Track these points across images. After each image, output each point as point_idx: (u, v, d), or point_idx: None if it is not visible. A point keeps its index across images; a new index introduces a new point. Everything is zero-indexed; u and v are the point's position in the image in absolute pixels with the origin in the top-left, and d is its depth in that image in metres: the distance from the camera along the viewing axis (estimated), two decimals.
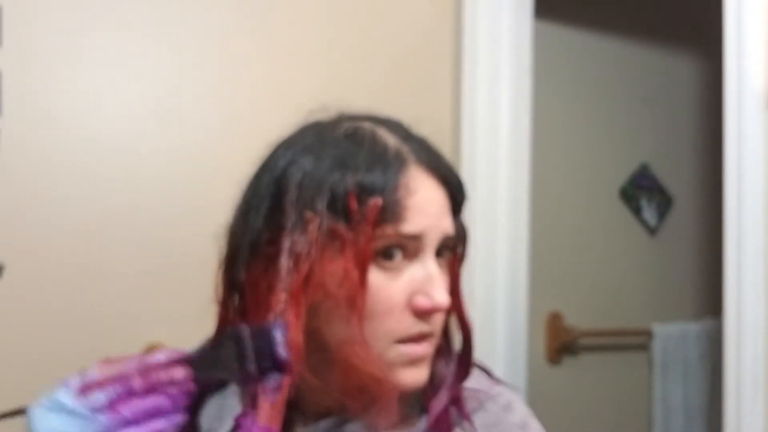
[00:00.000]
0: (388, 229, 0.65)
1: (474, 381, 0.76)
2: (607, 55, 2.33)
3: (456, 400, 0.72)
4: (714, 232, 1.76)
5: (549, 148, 2.10)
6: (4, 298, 1.46)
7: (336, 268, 0.64)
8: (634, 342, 2.35)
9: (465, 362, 0.74)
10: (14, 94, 1.48)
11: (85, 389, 0.62)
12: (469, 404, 0.73)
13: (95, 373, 0.63)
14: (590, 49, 2.29)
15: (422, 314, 0.67)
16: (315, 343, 0.67)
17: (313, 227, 0.65)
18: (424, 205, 0.67)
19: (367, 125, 0.71)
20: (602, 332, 2.24)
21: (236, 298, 0.71)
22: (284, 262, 0.65)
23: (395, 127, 0.72)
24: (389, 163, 0.66)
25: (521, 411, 0.76)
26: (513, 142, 1.79)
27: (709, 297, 2.44)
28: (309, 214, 0.65)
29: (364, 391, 0.65)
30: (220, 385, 0.72)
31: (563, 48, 2.23)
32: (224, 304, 0.72)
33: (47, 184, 1.51)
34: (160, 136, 1.60)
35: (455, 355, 0.74)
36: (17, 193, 1.49)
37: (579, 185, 2.26)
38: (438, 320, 0.69)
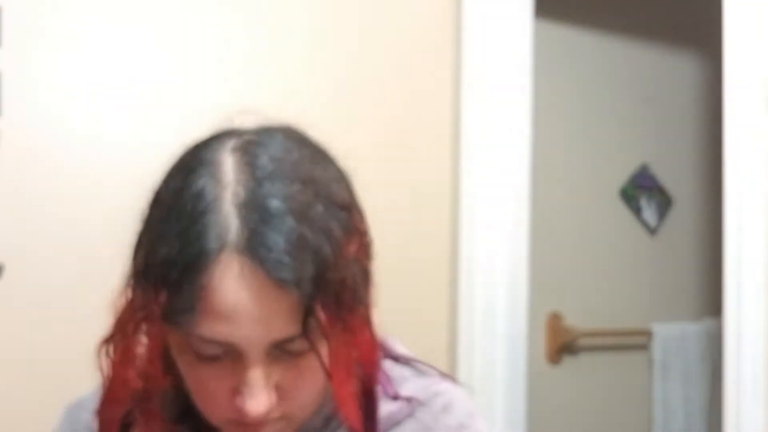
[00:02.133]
0: (187, 329, 0.55)
1: (411, 384, 0.71)
2: (608, 54, 2.33)
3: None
4: (714, 232, 1.77)
5: (549, 148, 2.10)
6: (4, 298, 1.46)
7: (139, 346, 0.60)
8: (634, 342, 2.35)
9: (370, 407, 0.66)
10: (14, 94, 1.48)
11: None
12: (397, 416, 0.68)
13: None
14: (591, 48, 2.29)
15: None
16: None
17: (125, 298, 0.60)
18: (228, 312, 0.54)
19: (226, 175, 0.57)
20: (602, 332, 2.24)
21: None
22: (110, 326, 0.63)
23: (252, 178, 0.57)
24: (200, 249, 0.54)
25: (461, 411, 0.69)
26: (513, 142, 1.79)
27: (709, 297, 2.44)
28: (129, 278, 0.60)
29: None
30: None
31: (564, 48, 2.23)
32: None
33: (47, 183, 1.51)
34: (161, 136, 1.60)
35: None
36: (17, 192, 1.49)
37: (579, 185, 2.26)
38: (294, 404, 0.61)
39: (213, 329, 0.54)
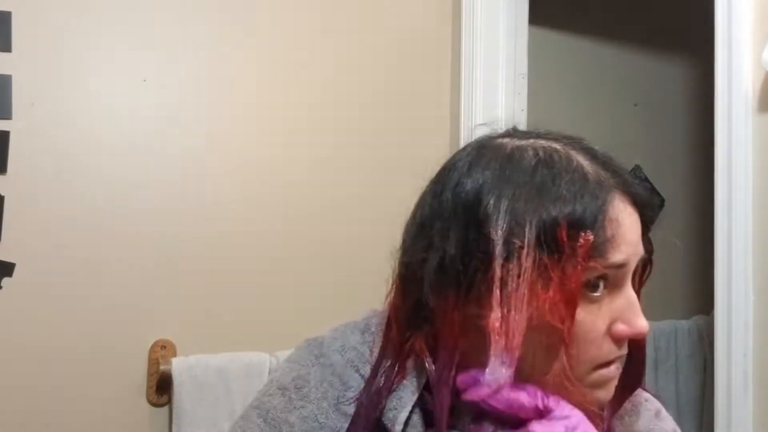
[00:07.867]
0: (596, 262, 0.62)
1: None
2: (601, 60, 2.35)
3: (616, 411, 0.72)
4: (705, 232, 1.79)
5: None
6: (15, 296, 1.48)
7: (544, 301, 0.61)
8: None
9: (637, 375, 0.73)
10: (24, 97, 1.50)
11: None
12: (625, 407, 0.74)
13: None
14: (584, 54, 2.31)
15: (622, 341, 0.66)
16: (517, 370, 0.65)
17: (523, 258, 0.61)
18: (627, 234, 0.65)
19: (560, 148, 0.68)
20: None
21: (424, 324, 0.67)
22: (497, 294, 0.62)
23: (584, 148, 0.70)
24: (594, 194, 0.64)
25: (670, 419, 0.77)
26: None
27: (699, 295, 2.45)
28: (518, 243, 0.61)
29: None
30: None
31: (558, 54, 2.25)
32: (408, 326, 0.69)
33: (57, 185, 1.52)
34: (167, 139, 1.62)
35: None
36: (27, 194, 1.50)
37: None
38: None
39: (622, 251, 0.64)
